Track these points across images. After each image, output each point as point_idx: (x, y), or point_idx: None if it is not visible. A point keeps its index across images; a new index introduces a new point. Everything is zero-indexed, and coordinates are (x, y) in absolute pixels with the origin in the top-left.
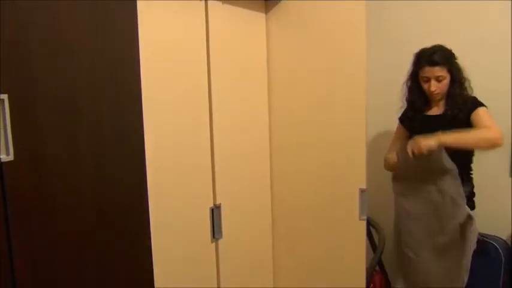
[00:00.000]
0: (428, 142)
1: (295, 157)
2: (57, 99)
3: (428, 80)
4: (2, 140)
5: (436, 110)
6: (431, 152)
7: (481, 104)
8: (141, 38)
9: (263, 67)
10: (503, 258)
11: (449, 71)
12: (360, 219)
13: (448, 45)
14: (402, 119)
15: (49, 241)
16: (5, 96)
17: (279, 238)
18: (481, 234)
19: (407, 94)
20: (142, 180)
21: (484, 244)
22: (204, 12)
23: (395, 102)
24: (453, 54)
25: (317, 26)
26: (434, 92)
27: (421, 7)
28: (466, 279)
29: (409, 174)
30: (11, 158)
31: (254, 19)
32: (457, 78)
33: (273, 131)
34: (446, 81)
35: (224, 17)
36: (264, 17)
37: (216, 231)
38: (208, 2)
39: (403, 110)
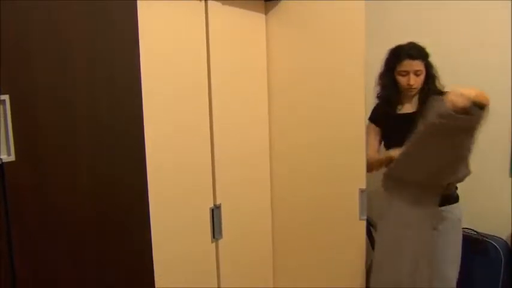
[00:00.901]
0: (470, 92)
1: (295, 157)
2: (57, 99)
3: (406, 74)
4: (3, 140)
5: (408, 108)
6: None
7: None
8: (141, 38)
9: (263, 68)
10: (503, 258)
11: (425, 66)
12: (360, 219)
13: (448, 45)
14: (374, 118)
15: (49, 241)
16: (6, 97)
17: (279, 238)
18: (481, 234)
19: (380, 91)
20: (142, 180)
21: (484, 244)
22: (204, 13)
23: None
24: (427, 51)
25: (317, 27)
26: (413, 86)
27: (421, 7)
28: None
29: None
30: (12, 158)
31: (254, 20)
32: (431, 73)
33: (273, 131)
34: (422, 76)
35: (224, 18)
36: (264, 18)
37: (216, 232)
38: (208, 2)
39: (372, 109)
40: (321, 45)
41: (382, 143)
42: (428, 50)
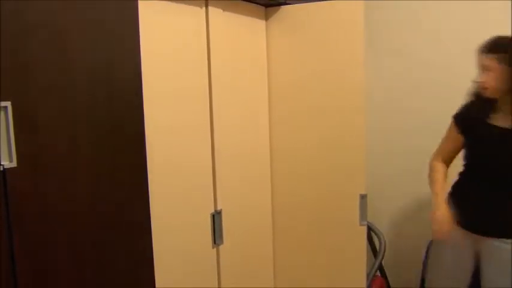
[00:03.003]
0: None
1: (295, 163)
2: (59, 105)
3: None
4: (5, 146)
5: (504, 120)
6: None
7: None
8: (143, 45)
9: (263, 73)
10: None
11: (500, 61)
12: (360, 225)
13: (448, 46)
14: (458, 119)
15: (51, 246)
16: (7, 104)
17: (279, 244)
18: None
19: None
20: (143, 185)
21: None
22: (204, 20)
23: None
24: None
25: (316, 32)
26: (482, 85)
27: (421, 7)
28: None
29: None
30: (14, 164)
31: (254, 26)
32: None
33: (273, 136)
34: (495, 74)
35: (225, 24)
36: (264, 24)
37: (217, 237)
38: (209, 9)
39: (461, 106)
40: (321, 49)
41: (462, 152)
42: (428, 50)
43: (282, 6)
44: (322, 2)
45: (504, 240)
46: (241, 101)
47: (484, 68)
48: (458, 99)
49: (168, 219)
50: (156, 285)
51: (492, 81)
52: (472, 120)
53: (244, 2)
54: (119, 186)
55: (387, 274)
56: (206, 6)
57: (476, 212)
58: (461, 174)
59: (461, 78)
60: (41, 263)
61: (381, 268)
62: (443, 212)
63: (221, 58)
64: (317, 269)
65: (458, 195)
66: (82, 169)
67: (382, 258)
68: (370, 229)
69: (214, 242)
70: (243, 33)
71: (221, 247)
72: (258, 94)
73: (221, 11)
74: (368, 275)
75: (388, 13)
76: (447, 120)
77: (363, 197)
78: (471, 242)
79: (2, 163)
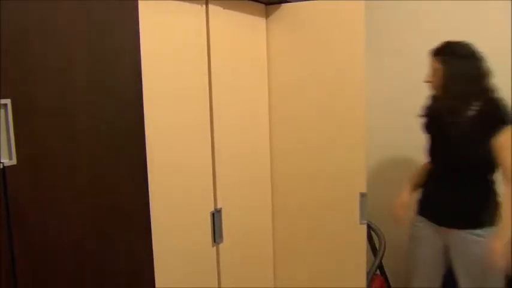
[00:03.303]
0: None
1: (295, 161)
2: (58, 103)
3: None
4: (5, 144)
5: None
6: None
7: None
8: (142, 43)
9: (264, 72)
10: None
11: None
12: (361, 223)
13: None
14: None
15: (50, 244)
16: (7, 101)
17: (279, 242)
18: None
19: None
20: (143, 184)
21: None
22: (204, 17)
23: (395, 106)
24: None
25: (317, 30)
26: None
27: (421, 7)
28: None
29: None
30: (13, 162)
31: (255, 24)
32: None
33: (273, 135)
34: (439, 74)
35: (225, 22)
36: (265, 22)
37: (216, 236)
38: (209, 6)
39: None
40: (322, 48)
41: None
42: (428, 50)
43: (283, 4)
44: (322, 1)
45: (470, 231)
46: (241, 98)
47: (432, 69)
48: None
49: (168, 217)
50: (156, 284)
51: (436, 80)
52: (426, 117)
53: (245, 0)
54: (118, 185)
55: (387, 273)
56: (206, 4)
57: (440, 205)
58: (427, 170)
59: None
60: (40, 262)
61: (380, 267)
62: (401, 199)
63: (221, 56)
64: (317, 267)
65: (426, 190)
66: (82, 167)
67: (382, 257)
68: (370, 228)
69: (214, 240)
70: (243, 31)
71: (221, 246)
72: (258, 92)
73: (221, 8)
74: (368, 274)
75: (388, 13)
76: None
77: (363, 196)
78: (440, 234)
79: (1, 161)
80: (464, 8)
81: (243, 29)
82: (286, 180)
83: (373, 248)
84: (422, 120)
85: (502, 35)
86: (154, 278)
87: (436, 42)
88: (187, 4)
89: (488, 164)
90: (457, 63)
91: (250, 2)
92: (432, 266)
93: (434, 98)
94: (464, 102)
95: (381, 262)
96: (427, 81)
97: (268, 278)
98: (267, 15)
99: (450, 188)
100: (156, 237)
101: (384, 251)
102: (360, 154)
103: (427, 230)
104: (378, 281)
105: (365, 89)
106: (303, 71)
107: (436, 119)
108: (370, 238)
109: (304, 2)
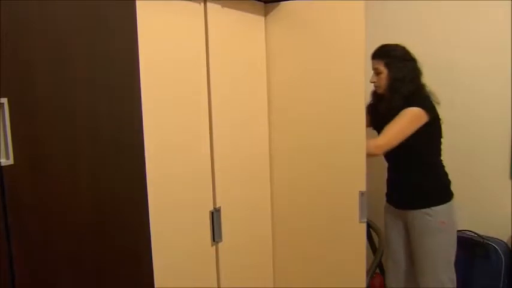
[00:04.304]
0: None
1: (295, 160)
2: (56, 102)
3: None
4: (2, 143)
5: None
6: None
7: None
8: (140, 42)
9: (262, 70)
10: (503, 260)
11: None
12: (360, 222)
13: (448, 47)
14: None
15: (49, 244)
16: (4, 100)
17: (279, 241)
18: (481, 237)
19: None
20: (142, 184)
21: (485, 246)
22: (203, 16)
23: None
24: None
25: (316, 28)
26: (374, 84)
27: (421, 7)
28: None
29: None
30: (10, 161)
31: (253, 22)
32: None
33: (272, 134)
34: (384, 75)
35: (223, 20)
36: (263, 20)
37: (216, 235)
38: (208, 5)
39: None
40: (321, 46)
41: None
42: (428, 50)
43: (282, 3)
44: (322, 1)
45: (420, 210)
46: (240, 97)
47: (375, 71)
48: (458, 99)
49: (167, 216)
50: (155, 282)
51: (381, 81)
52: (372, 113)
53: None
54: (117, 184)
55: None
56: (204, 3)
57: (395, 191)
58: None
59: (461, 77)
60: (39, 262)
61: (380, 266)
62: None
63: (220, 55)
64: (317, 265)
65: (387, 180)
66: (80, 167)
67: (382, 255)
68: (369, 226)
69: (213, 239)
70: (242, 29)
71: (220, 244)
72: (257, 91)
73: (219, 7)
74: (367, 273)
75: (388, 13)
76: (447, 119)
77: (363, 194)
78: (401, 216)
79: None
80: (464, 8)
81: (241, 27)
82: (286, 179)
83: (372, 247)
84: (367, 117)
85: (502, 35)
86: (153, 277)
87: (436, 42)
88: (185, 2)
89: (420, 149)
90: (400, 66)
91: (249, 0)
92: (398, 244)
93: (378, 96)
94: (405, 100)
95: (380, 261)
96: (372, 82)
97: (267, 277)
98: (265, 13)
99: (398, 176)
100: (155, 237)
101: (383, 249)
102: (359, 152)
103: (391, 214)
104: (377, 280)
105: (365, 89)
106: (302, 70)
107: (382, 116)
108: (369, 237)
109: (303, 1)
